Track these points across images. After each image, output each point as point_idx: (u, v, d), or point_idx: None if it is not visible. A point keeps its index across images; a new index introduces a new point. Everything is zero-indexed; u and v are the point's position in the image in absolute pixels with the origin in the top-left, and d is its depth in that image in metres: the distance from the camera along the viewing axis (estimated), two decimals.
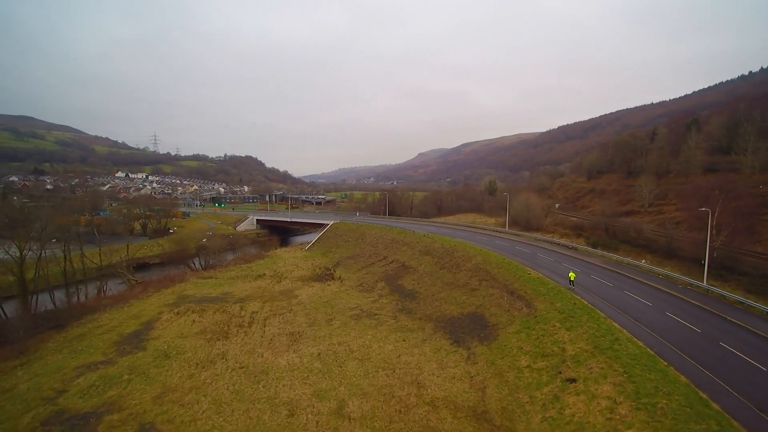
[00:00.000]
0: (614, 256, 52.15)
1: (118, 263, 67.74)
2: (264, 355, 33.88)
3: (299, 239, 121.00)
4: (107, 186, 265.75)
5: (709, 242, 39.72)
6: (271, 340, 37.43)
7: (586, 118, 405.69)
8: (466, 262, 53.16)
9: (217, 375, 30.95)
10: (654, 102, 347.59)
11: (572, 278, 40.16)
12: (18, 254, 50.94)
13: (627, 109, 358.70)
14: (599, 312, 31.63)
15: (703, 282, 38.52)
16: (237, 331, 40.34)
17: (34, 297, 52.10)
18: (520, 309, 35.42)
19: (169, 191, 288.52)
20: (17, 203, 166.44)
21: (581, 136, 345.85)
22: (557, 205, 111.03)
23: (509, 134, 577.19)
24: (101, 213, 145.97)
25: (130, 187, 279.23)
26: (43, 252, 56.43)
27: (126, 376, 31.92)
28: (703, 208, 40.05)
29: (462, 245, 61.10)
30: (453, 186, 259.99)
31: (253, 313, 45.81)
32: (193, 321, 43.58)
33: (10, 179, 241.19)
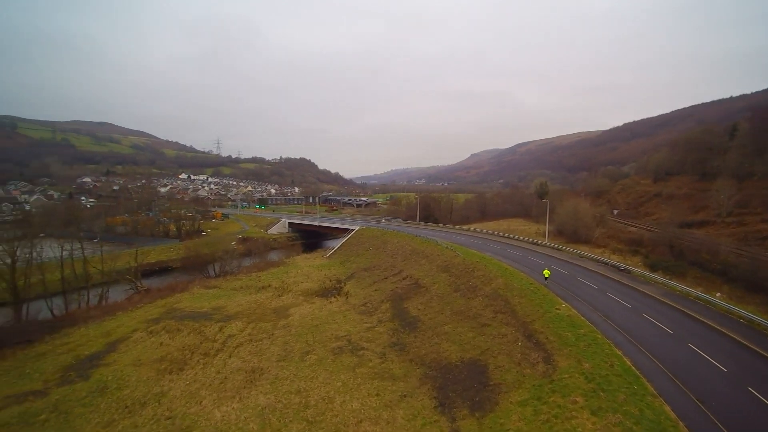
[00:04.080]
0: (679, 286, 40.06)
1: (127, 269, 65.67)
2: (203, 402, 27.63)
3: (332, 243, 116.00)
4: (168, 187, 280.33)
5: None
6: (225, 378, 31.21)
7: (655, 114, 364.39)
8: (485, 285, 43.84)
9: (136, 428, 25.14)
10: (734, 95, 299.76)
11: (547, 275, 40.77)
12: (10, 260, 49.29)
13: (702, 103, 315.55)
14: (647, 384, 21.69)
15: None
16: (198, 361, 34.70)
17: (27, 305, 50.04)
18: (535, 364, 26.10)
19: (224, 192, 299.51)
20: (85, 203, 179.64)
21: (649, 133, 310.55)
22: (615, 212, 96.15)
23: (568, 133, 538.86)
24: (151, 213, 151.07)
25: (189, 188, 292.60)
26: (37, 255, 55.26)
27: (44, 416, 27.23)
28: None
29: (486, 261, 51.60)
30: (505, 188, 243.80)
31: (229, 336, 40.14)
32: (161, 343, 38.75)
33: (84, 180, 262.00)
